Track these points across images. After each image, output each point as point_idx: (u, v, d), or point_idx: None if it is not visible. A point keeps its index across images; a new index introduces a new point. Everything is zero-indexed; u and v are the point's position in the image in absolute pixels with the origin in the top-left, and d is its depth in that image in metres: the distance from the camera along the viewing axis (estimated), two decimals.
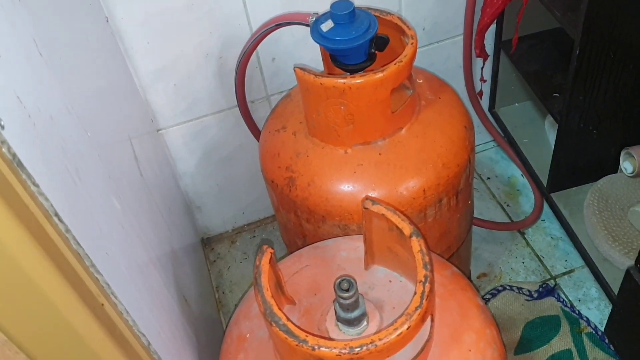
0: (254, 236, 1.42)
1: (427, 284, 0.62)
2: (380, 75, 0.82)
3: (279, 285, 0.71)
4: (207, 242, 1.42)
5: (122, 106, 0.93)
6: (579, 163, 1.18)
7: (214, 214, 1.39)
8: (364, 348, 0.58)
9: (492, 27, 1.23)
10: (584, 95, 1.06)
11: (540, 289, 1.22)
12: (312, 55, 1.13)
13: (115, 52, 1.00)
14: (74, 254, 0.46)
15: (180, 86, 1.13)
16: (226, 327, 0.80)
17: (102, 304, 0.50)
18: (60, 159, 0.50)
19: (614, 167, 1.19)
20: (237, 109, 1.15)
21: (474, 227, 1.33)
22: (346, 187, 0.90)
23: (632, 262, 0.96)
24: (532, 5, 1.10)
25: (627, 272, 0.94)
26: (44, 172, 0.44)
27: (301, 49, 1.15)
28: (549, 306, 1.20)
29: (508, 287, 1.23)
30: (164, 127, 1.18)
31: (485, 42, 1.24)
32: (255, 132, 1.19)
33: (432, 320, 0.66)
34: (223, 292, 1.32)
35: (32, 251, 0.41)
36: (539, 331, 1.16)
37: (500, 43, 1.28)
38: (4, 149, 0.39)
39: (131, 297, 0.57)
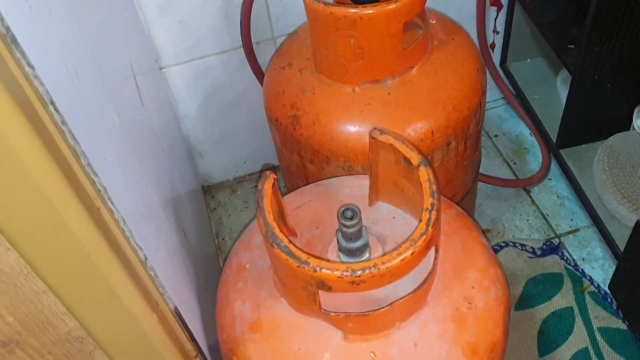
0: (255, 186, 1.40)
1: (434, 212, 0.60)
2: (393, 6, 0.79)
3: (280, 214, 0.69)
4: (208, 190, 1.40)
5: (125, 38, 0.90)
6: (590, 119, 1.15)
7: (215, 161, 1.36)
8: (367, 271, 0.56)
9: None
10: (600, 46, 1.03)
11: (544, 247, 1.21)
12: None
13: None
14: (70, 149, 0.44)
15: (185, 23, 1.09)
16: (225, 258, 0.78)
17: (99, 208, 0.48)
18: (59, 53, 0.48)
19: (627, 125, 1.17)
20: (242, 50, 1.12)
21: (480, 184, 1.31)
22: (352, 127, 0.88)
23: None
24: None
25: (636, 224, 0.92)
26: (40, 56, 0.42)
27: None
28: (552, 264, 1.19)
29: (511, 244, 1.22)
30: (166, 66, 1.15)
31: None
32: (260, 75, 1.16)
33: (437, 251, 0.65)
34: (223, 239, 1.31)
35: (27, 135, 0.39)
36: (541, 288, 1.15)
37: None
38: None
39: (128, 208, 0.55)
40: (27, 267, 0.46)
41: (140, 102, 0.84)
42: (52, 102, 0.42)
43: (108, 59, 0.71)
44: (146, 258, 0.56)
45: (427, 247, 0.59)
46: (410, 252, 0.57)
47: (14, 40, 0.38)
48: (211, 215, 1.35)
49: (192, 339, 0.66)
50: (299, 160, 0.95)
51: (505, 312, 0.69)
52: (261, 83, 1.17)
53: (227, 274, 0.74)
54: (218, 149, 1.34)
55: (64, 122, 0.43)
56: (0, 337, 0.50)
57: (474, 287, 0.68)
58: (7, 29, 0.37)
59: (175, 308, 0.62)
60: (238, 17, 1.07)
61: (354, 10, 0.79)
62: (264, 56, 1.16)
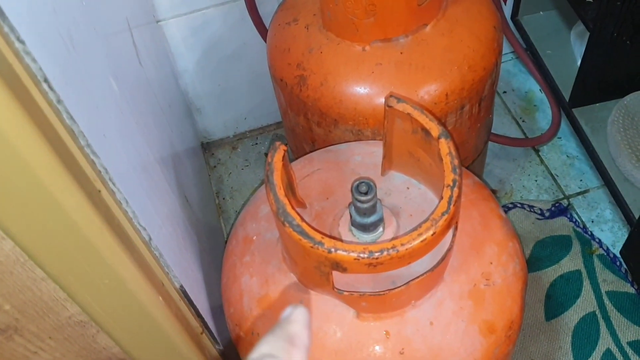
0: (256, 143, 1.36)
1: (456, 189, 0.56)
2: None
3: (290, 187, 0.65)
4: (207, 147, 1.36)
5: None
6: (607, 77, 1.11)
7: (214, 117, 1.32)
8: (385, 253, 0.53)
9: None
10: (622, 0, 0.97)
11: (553, 208, 1.18)
12: None
13: None
14: (67, 129, 0.40)
15: None
16: (230, 229, 0.75)
17: (100, 190, 0.45)
18: (51, 20, 0.43)
19: None
20: (243, 1, 1.06)
21: None
22: (362, 89, 0.83)
23: None
24: None
25: None
26: (31, 28, 0.37)
27: None
28: (560, 226, 1.16)
29: (519, 205, 1.19)
30: (163, 19, 1.09)
31: None
32: (261, 28, 1.10)
33: (456, 229, 0.62)
34: (223, 198, 1.28)
35: (19, 119, 0.35)
36: (549, 250, 1.13)
37: None
38: None
39: (131, 186, 0.51)
40: (24, 256, 0.43)
41: (138, 62, 0.79)
42: (45, 80, 0.38)
43: (103, 17, 0.65)
44: (150, 238, 0.53)
45: (448, 227, 0.56)
46: (431, 232, 0.54)
47: (0, 13, 0.33)
48: (211, 174, 1.32)
49: (198, 315, 0.64)
50: (305, 123, 0.91)
51: (523, 287, 0.67)
52: (262, 36, 1.11)
53: (233, 246, 0.71)
54: (218, 104, 1.29)
55: (59, 101, 0.39)
56: None
57: (491, 263, 0.66)
58: None
59: (181, 286, 0.59)
60: None
61: None
62: (265, 7, 1.10)
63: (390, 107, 0.64)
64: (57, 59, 0.42)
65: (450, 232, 0.60)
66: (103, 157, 0.45)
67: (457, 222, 0.61)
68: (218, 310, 0.75)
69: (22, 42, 0.35)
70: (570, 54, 1.24)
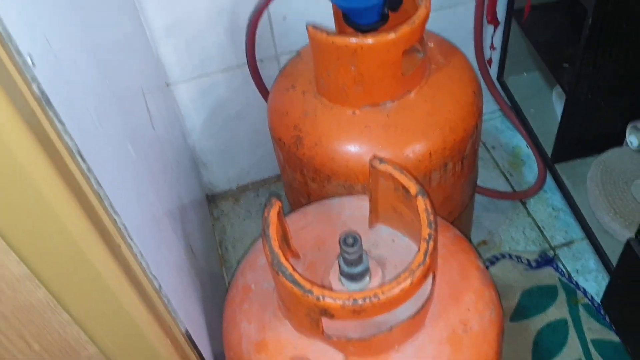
0: (258, 195, 1.44)
1: (431, 242, 0.63)
2: (392, 36, 0.82)
3: (285, 239, 0.73)
4: (212, 199, 1.44)
5: (135, 59, 0.94)
6: (584, 134, 1.19)
7: (219, 171, 1.40)
8: (367, 300, 0.60)
9: None
10: (594, 66, 1.06)
11: (539, 259, 1.24)
12: (324, 15, 1.12)
13: (129, 5, 1.00)
14: (95, 193, 0.48)
15: (192, 42, 1.13)
16: (231, 278, 0.82)
17: (119, 245, 0.52)
18: (83, 101, 0.51)
19: (620, 141, 1.20)
20: (246, 67, 1.16)
21: (477, 196, 1.34)
22: (353, 148, 0.91)
23: (633, 235, 0.98)
24: None
25: (627, 243, 0.96)
26: (68, 111, 0.45)
27: (313, 8, 1.14)
28: (546, 276, 1.23)
29: (507, 256, 1.26)
30: (173, 83, 1.19)
31: (497, 9, 1.24)
32: (263, 90, 1.20)
33: (434, 278, 0.68)
34: (226, 248, 1.35)
35: (59, 188, 0.43)
36: (535, 299, 1.19)
37: (512, 11, 1.27)
38: (34, 86, 0.40)
39: (145, 240, 0.58)
40: (54, 301, 0.50)
41: (152, 126, 0.88)
42: (79, 153, 0.46)
43: (122, 89, 0.74)
44: (160, 287, 0.60)
45: (424, 276, 0.62)
46: (409, 281, 0.61)
47: (48, 102, 0.41)
48: (215, 225, 1.39)
49: (202, 358, 0.70)
50: (301, 178, 0.99)
51: (499, 333, 0.73)
52: (265, 98, 1.20)
53: (233, 294, 0.78)
54: (222, 159, 1.37)
55: (89, 170, 0.47)
56: None
57: (469, 310, 0.72)
58: (42, 92, 0.41)
59: (186, 330, 0.66)
60: (243, 36, 1.11)
61: (354, 40, 0.83)
62: (267, 72, 1.20)
63: (373, 167, 0.71)
64: (87, 135, 0.50)
65: (429, 282, 0.67)
66: (123, 215, 0.52)
67: (434, 272, 0.68)
68: (220, 355, 0.81)
69: (62, 123, 0.44)
70: (552, 113, 1.32)
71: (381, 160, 0.72)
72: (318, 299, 0.60)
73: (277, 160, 1.05)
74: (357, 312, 0.60)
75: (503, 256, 1.25)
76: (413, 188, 0.68)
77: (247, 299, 0.75)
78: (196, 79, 1.19)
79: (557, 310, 1.16)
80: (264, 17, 1.13)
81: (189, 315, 0.71)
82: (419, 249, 0.63)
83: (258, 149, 1.37)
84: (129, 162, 0.64)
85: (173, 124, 1.15)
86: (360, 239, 0.66)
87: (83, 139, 0.47)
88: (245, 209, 1.42)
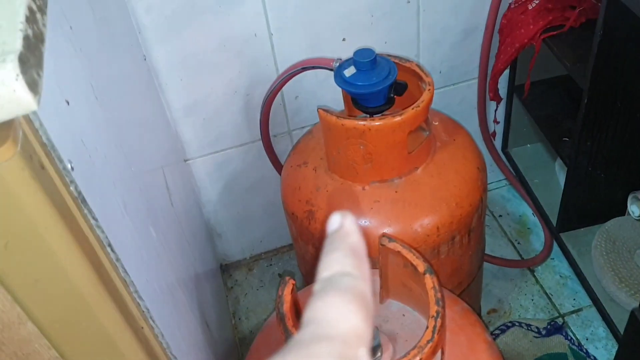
0: (271, 264, 1.47)
1: (439, 319, 0.66)
2: (398, 118, 0.88)
3: (299, 315, 0.75)
4: (226, 269, 1.47)
5: (156, 138, 1.00)
6: (587, 205, 1.22)
7: (233, 241, 1.44)
8: None
9: (506, 72, 1.29)
10: (592, 141, 1.11)
11: (549, 327, 1.25)
12: (333, 95, 1.19)
13: (150, 87, 1.07)
14: (121, 280, 0.52)
15: (209, 120, 1.19)
16: (247, 353, 0.84)
17: (142, 327, 0.55)
18: (112, 194, 0.56)
19: (622, 210, 1.23)
20: (260, 142, 1.21)
21: (486, 264, 1.37)
22: (363, 222, 0.95)
23: (638, 304, 0.99)
24: (544, 54, 1.16)
25: (632, 313, 0.97)
26: (100, 206, 0.49)
27: (323, 89, 1.21)
28: (557, 344, 1.23)
29: (517, 324, 1.27)
30: (191, 158, 1.24)
31: (498, 86, 1.30)
32: (277, 164, 1.25)
33: (443, 353, 0.71)
34: (239, 319, 1.37)
35: (90, 279, 0.47)
36: None
37: (513, 87, 1.33)
38: (71, 188, 0.45)
39: (164, 320, 0.62)
40: None
41: (170, 203, 0.92)
42: (109, 245, 0.50)
43: (145, 171, 0.79)
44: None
45: (433, 353, 0.65)
46: (418, 358, 0.63)
47: (83, 201, 0.46)
48: (228, 295, 1.42)
49: None
50: (313, 251, 1.02)
51: None
52: (278, 171, 1.25)
53: None
54: (236, 229, 1.41)
55: (118, 260, 0.51)
56: None
57: None
58: (79, 193, 0.45)
59: None
60: (257, 114, 1.17)
61: (363, 123, 0.88)
62: (280, 147, 1.25)
63: (383, 245, 0.75)
64: (116, 225, 0.54)
65: (437, 358, 0.69)
66: (146, 299, 0.56)
67: (443, 347, 0.70)
68: None
69: (96, 219, 0.48)
70: (556, 183, 1.36)
71: (390, 238, 0.75)
72: None
73: (290, 233, 1.09)
74: None
75: (513, 324, 1.26)
76: (421, 266, 0.71)
77: None
78: (212, 154, 1.24)
79: None
80: (277, 96, 1.19)
81: None
82: (427, 326, 0.66)
83: (271, 220, 1.42)
84: (150, 244, 0.68)
85: (189, 196, 1.20)
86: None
87: (112, 231, 0.51)
88: (258, 278, 1.45)
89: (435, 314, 0.67)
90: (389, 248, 0.75)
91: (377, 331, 0.71)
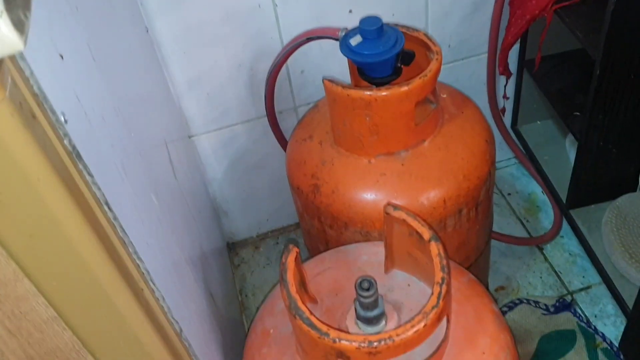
0: (277, 242, 1.46)
1: (444, 286, 0.65)
2: (405, 88, 0.86)
3: (302, 284, 0.74)
4: (232, 247, 1.46)
5: (159, 112, 0.99)
6: (598, 181, 1.20)
7: (239, 219, 1.43)
8: (382, 343, 0.61)
9: (516, 46, 1.27)
10: (604, 114, 1.08)
11: (557, 304, 1.24)
12: (340, 69, 1.17)
13: (153, 60, 1.06)
14: (120, 240, 0.51)
15: (213, 95, 1.18)
16: (251, 323, 0.84)
17: (142, 289, 0.54)
18: (110, 155, 0.55)
19: (633, 186, 1.21)
20: (266, 118, 1.20)
21: (494, 242, 1.35)
22: (369, 195, 0.94)
23: None
24: (556, 27, 1.14)
25: None
26: (96, 164, 0.49)
27: (329, 62, 1.19)
28: (565, 321, 1.22)
29: (525, 301, 1.26)
30: (195, 134, 1.23)
31: (508, 60, 1.27)
32: (282, 141, 1.23)
33: (448, 321, 0.70)
34: (246, 295, 1.36)
35: (87, 235, 0.46)
36: (554, 345, 1.18)
37: (523, 62, 1.31)
38: (65, 142, 0.44)
39: (166, 285, 0.61)
40: (79, 344, 0.52)
41: (174, 176, 0.91)
42: (106, 203, 0.49)
43: (147, 141, 0.78)
44: (181, 330, 0.62)
45: (438, 319, 0.64)
46: (422, 324, 0.62)
47: (78, 156, 0.45)
48: (235, 272, 1.41)
49: None
50: (319, 225, 1.01)
51: None
52: (284, 148, 1.24)
53: (252, 339, 0.80)
54: (242, 208, 1.40)
55: (115, 218, 0.50)
56: None
57: (484, 353, 0.73)
58: (73, 147, 0.44)
59: None
60: (262, 89, 1.15)
61: (369, 93, 0.86)
62: (286, 124, 1.24)
63: (388, 214, 0.74)
64: (113, 185, 0.53)
65: (443, 324, 0.68)
66: (146, 261, 0.55)
67: (448, 315, 0.69)
68: None
69: (91, 175, 0.47)
70: (566, 159, 1.34)
71: (395, 207, 0.74)
72: (334, 341, 0.61)
73: (296, 208, 1.08)
74: (372, 354, 0.61)
75: (521, 301, 1.25)
76: (426, 233, 0.70)
77: (266, 343, 0.77)
78: (217, 130, 1.23)
79: (577, 355, 1.15)
80: (283, 71, 1.18)
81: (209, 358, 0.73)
82: (432, 292, 0.65)
83: (278, 198, 1.41)
84: (152, 211, 0.67)
85: (194, 174, 1.19)
86: (376, 283, 0.68)
87: (110, 190, 0.50)
88: (265, 256, 1.44)
89: (440, 281, 0.65)
90: (394, 216, 0.73)
91: (381, 299, 0.70)
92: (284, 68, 1.18)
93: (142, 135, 0.75)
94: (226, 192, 1.36)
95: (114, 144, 0.57)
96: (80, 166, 0.46)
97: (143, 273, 0.55)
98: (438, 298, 0.64)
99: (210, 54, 1.12)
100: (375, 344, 0.61)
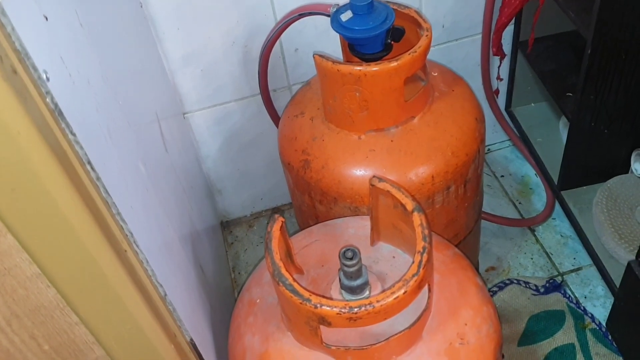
0: None
1: (425, 255, 0.66)
2: (394, 64, 0.87)
3: (288, 254, 0.76)
4: (226, 225, 1.47)
5: (151, 86, 0.99)
6: (589, 162, 1.21)
7: (233, 198, 1.44)
8: (362, 309, 0.62)
9: (511, 28, 1.27)
10: (595, 95, 1.09)
11: (547, 284, 1.25)
12: (334, 47, 1.17)
13: (147, 36, 1.06)
14: (103, 201, 0.52)
15: (207, 72, 1.18)
16: (238, 294, 0.85)
17: (126, 250, 0.55)
18: (94, 117, 0.56)
19: (625, 168, 1.22)
20: (260, 96, 1.20)
21: (486, 223, 1.36)
22: (358, 171, 0.94)
23: (635, 257, 0.99)
24: (549, 8, 1.14)
25: (628, 265, 0.97)
26: (80, 124, 0.49)
27: (323, 41, 1.20)
28: (554, 301, 1.23)
29: (515, 281, 1.27)
30: (189, 111, 1.24)
31: (503, 42, 1.27)
32: (276, 119, 1.24)
33: (430, 291, 0.71)
34: (239, 273, 1.38)
35: (69, 193, 0.47)
36: (543, 324, 1.19)
37: (517, 43, 1.31)
38: (47, 99, 0.44)
39: (151, 250, 0.62)
40: (63, 302, 0.53)
41: (165, 149, 0.92)
42: (89, 162, 0.50)
43: (136, 112, 0.79)
44: (166, 294, 0.63)
45: (418, 287, 0.65)
46: (402, 291, 0.63)
47: (60, 114, 0.46)
48: (228, 250, 1.42)
49: None
50: (309, 201, 1.02)
51: (496, 347, 0.74)
52: (277, 126, 1.25)
53: (239, 309, 0.81)
54: (236, 186, 1.41)
55: (98, 179, 0.51)
56: None
57: (466, 324, 0.74)
58: (56, 105, 0.45)
59: (191, 340, 0.69)
60: (256, 67, 1.16)
61: (359, 68, 0.87)
62: (280, 102, 1.25)
63: (373, 186, 0.75)
64: (97, 147, 0.54)
65: (424, 294, 0.69)
66: (130, 224, 0.56)
67: (430, 284, 0.70)
68: None
69: (74, 134, 0.48)
70: (559, 142, 1.34)
71: (380, 179, 0.75)
72: (315, 307, 0.62)
73: (287, 184, 1.09)
74: (353, 320, 0.62)
75: (511, 282, 1.26)
76: (409, 204, 0.71)
77: (252, 312, 0.78)
78: (211, 107, 1.24)
79: (565, 335, 1.16)
80: (277, 49, 1.19)
81: (196, 327, 0.74)
82: (413, 261, 0.66)
83: (272, 177, 1.41)
84: (138, 178, 0.68)
85: (188, 150, 1.20)
86: (360, 252, 0.69)
87: (93, 151, 0.51)
88: (258, 235, 1.45)
89: (421, 249, 0.66)
90: (379, 188, 0.74)
91: (365, 269, 0.71)
92: (278, 46, 1.19)
93: (131, 105, 0.76)
94: (220, 170, 1.36)
95: (99, 108, 0.58)
96: (63, 124, 0.46)
97: (127, 235, 0.56)
98: (419, 266, 0.65)
99: (204, 30, 1.12)
100: (356, 309, 0.62)
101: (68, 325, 0.55)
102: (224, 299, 1.12)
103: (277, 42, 1.15)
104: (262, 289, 0.80)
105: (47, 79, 0.45)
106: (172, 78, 1.17)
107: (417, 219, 0.69)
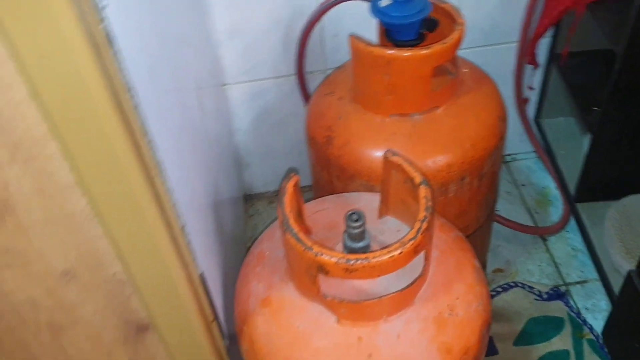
0: None
1: (425, 223, 0.71)
2: (425, 51, 0.91)
3: (299, 213, 0.81)
4: (249, 199, 1.54)
5: (196, 55, 1.06)
6: (608, 177, 1.23)
7: (259, 173, 1.50)
8: (359, 262, 0.67)
9: (548, 39, 1.30)
10: (620, 109, 1.12)
11: (551, 292, 1.28)
12: (371, 36, 1.22)
13: (197, 7, 1.13)
14: (140, 129, 0.58)
15: (249, 47, 1.25)
16: (249, 246, 0.91)
17: (154, 177, 0.61)
18: (139, 53, 0.62)
19: None
20: (295, 77, 1.26)
21: (500, 226, 1.39)
22: (377, 152, 0.99)
23: (636, 267, 1.01)
24: (586, 23, 1.17)
25: (628, 275, 0.99)
26: (126, 52, 0.56)
27: (362, 29, 1.23)
28: (556, 308, 1.26)
29: (520, 285, 1.30)
30: (228, 83, 1.30)
31: (539, 52, 1.31)
32: (307, 100, 1.30)
33: (427, 259, 0.75)
34: None
35: (112, 112, 0.52)
36: (541, 328, 1.22)
37: (552, 56, 1.34)
38: (101, 26, 0.51)
39: (177, 185, 0.68)
40: (92, 213, 0.60)
41: (201, 111, 0.99)
42: (130, 90, 0.56)
43: (181, 77, 0.85)
44: (184, 226, 0.69)
45: (414, 251, 0.69)
46: (398, 251, 0.68)
47: (111, 40, 0.52)
48: (248, 221, 1.49)
49: (212, 304, 0.78)
50: (327, 176, 1.07)
51: (483, 324, 0.78)
52: None
53: (249, 259, 0.86)
54: (263, 161, 1.47)
55: (136, 107, 0.57)
56: (63, 267, 0.64)
57: (458, 298, 0.78)
58: (107, 32, 0.52)
59: (202, 274, 0.75)
60: (295, 47, 1.22)
61: (390, 52, 0.92)
62: (314, 84, 1.30)
63: (386, 158, 0.79)
64: (139, 76, 0.60)
65: (420, 260, 0.74)
66: (160, 154, 0.62)
67: (428, 253, 0.75)
68: (230, 313, 0.89)
69: (119, 62, 0.54)
70: (582, 157, 1.37)
71: (394, 152, 0.80)
72: (316, 255, 0.68)
73: (309, 159, 1.14)
74: (349, 271, 0.67)
75: (516, 284, 1.29)
76: (417, 178, 0.75)
77: (261, 263, 0.84)
78: (248, 82, 1.30)
79: (561, 342, 1.19)
80: (317, 34, 1.24)
81: (208, 266, 0.80)
82: (412, 227, 0.70)
83: (296, 158, 1.47)
84: (171, 118, 0.74)
85: (222, 120, 1.26)
86: (364, 216, 0.74)
87: (136, 79, 0.57)
88: None
89: (422, 218, 0.71)
90: (392, 161, 0.79)
91: (368, 234, 0.76)
92: (319, 31, 1.24)
93: (178, 69, 0.82)
94: (250, 144, 1.43)
95: (144, 47, 0.64)
96: (113, 51, 0.53)
97: (157, 162, 0.62)
98: (417, 232, 0.69)
99: (251, 7, 1.18)
100: (352, 262, 0.67)
101: (93, 237, 0.62)
102: (237, 257, 1.17)
103: (319, 27, 1.21)
104: (272, 244, 0.86)
105: (103, 7, 0.51)
106: (216, 49, 1.23)
107: (423, 191, 0.74)
